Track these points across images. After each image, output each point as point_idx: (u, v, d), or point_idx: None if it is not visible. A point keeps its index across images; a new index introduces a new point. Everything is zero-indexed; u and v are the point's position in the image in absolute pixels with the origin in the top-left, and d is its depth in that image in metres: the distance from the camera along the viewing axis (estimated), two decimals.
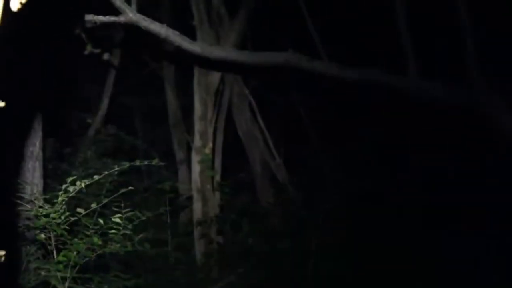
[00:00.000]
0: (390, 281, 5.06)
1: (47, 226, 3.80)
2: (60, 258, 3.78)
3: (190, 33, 4.17)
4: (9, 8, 1.05)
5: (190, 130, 6.84)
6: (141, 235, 4.32)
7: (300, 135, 6.00)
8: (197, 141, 5.20)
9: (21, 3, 1.05)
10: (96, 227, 3.95)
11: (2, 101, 1.13)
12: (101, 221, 3.98)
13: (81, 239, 3.86)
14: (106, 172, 4.20)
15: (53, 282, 3.80)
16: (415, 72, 2.88)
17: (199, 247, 5.12)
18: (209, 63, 4.72)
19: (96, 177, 4.07)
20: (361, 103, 6.37)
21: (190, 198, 5.44)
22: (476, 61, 2.79)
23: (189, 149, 6.50)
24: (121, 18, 3.12)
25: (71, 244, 3.82)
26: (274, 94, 6.22)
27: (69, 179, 3.87)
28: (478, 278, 4.76)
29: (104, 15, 3.18)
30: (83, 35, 4.72)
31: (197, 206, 5.12)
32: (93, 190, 5.00)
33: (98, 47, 5.04)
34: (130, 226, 4.11)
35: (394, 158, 6.99)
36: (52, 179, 5.05)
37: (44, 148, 5.77)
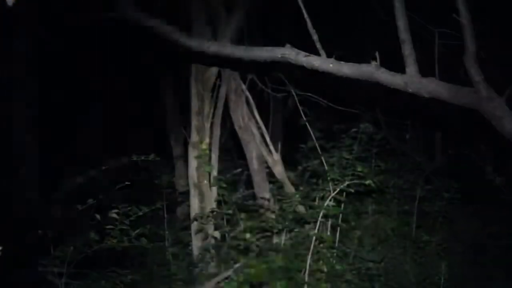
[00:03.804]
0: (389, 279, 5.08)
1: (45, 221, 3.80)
2: (57, 253, 3.79)
3: (186, 29, 4.15)
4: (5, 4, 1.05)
5: (186, 125, 6.83)
6: (138, 230, 4.33)
7: (298, 130, 5.99)
8: (193, 136, 5.20)
9: None
10: (93, 222, 3.96)
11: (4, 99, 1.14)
12: (98, 216, 3.99)
13: (78, 235, 3.87)
14: (104, 167, 4.22)
15: (49, 277, 3.81)
16: (414, 69, 2.87)
17: (196, 242, 5.13)
18: (205, 58, 4.71)
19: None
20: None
21: (187, 193, 5.44)
22: (476, 60, 2.78)
23: (185, 144, 6.51)
24: (117, 14, 3.12)
25: (68, 240, 3.82)
26: (271, 89, 6.20)
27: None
28: None
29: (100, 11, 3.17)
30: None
31: (194, 201, 5.13)
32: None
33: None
34: (127, 221, 4.13)
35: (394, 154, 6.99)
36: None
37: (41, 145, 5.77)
